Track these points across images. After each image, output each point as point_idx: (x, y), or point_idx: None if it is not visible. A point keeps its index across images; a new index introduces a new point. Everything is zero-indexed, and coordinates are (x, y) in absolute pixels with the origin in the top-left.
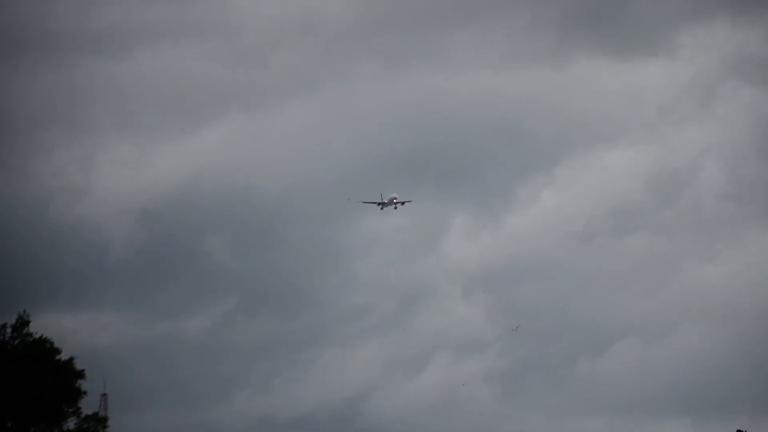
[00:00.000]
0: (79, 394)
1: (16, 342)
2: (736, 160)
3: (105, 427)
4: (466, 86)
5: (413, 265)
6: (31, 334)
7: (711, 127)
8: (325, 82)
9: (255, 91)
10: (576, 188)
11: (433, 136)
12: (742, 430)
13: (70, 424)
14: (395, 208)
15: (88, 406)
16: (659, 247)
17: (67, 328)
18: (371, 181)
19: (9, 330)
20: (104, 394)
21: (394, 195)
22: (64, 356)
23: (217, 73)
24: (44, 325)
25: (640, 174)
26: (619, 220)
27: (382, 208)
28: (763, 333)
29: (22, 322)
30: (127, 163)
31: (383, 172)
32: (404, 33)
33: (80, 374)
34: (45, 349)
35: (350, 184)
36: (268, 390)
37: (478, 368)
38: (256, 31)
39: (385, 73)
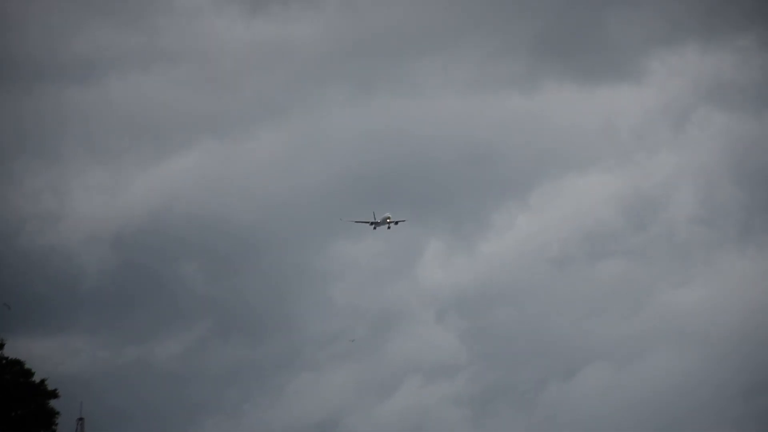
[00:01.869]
0: (53, 415)
1: None
2: (709, 185)
3: None
4: (436, 112)
5: (386, 290)
6: (5, 357)
7: (683, 153)
8: (296, 108)
9: (226, 117)
10: (549, 213)
11: (405, 162)
12: None
13: None
14: (388, 227)
15: (64, 429)
16: (633, 271)
17: (39, 353)
18: (343, 207)
19: None
20: (81, 419)
21: (388, 215)
22: (36, 379)
23: (188, 99)
24: (16, 350)
25: (613, 199)
26: (592, 245)
27: (374, 228)
28: (735, 357)
29: None
30: (99, 190)
31: (355, 197)
32: (373, 59)
33: (53, 394)
34: (17, 371)
35: (322, 210)
36: (239, 415)
37: (449, 392)
38: (226, 57)
39: (355, 99)
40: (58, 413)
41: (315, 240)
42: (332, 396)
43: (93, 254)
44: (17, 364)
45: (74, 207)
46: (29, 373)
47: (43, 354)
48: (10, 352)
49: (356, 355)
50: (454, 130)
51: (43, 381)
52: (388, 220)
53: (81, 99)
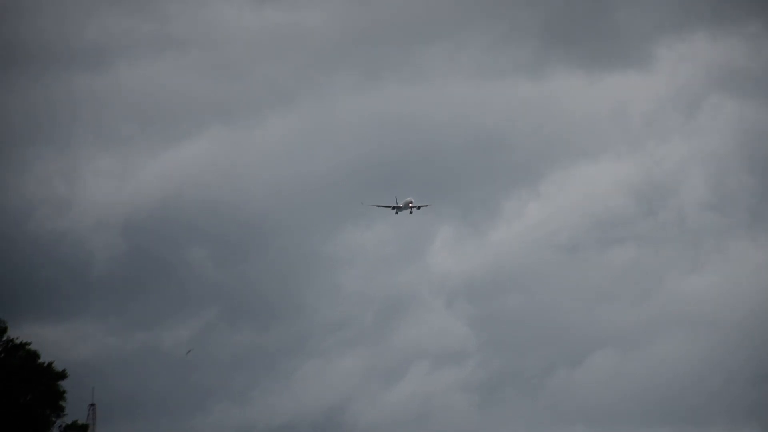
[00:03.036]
0: (60, 397)
1: None
2: (720, 172)
3: None
4: (444, 98)
5: (395, 276)
6: (11, 340)
7: (693, 140)
8: (304, 95)
9: (235, 104)
10: (559, 200)
11: (414, 148)
12: None
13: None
14: (411, 212)
15: (76, 415)
16: (643, 258)
17: (49, 339)
18: (353, 193)
19: None
20: (92, 404)
21: (410, 199)
22: (43, 361)
23: (198, 85)
24: (26, 336)
25: (624, 186)
26: (602, 232)
27: (396, 213)
28: (741, 343)
29: None
30: (109, 176)
31: (364, 183)
32: (381, 46)
33: (62, 375)
34: (25, 354)
35: (331, 196)
36: (247, 401)
37: (456, 379)
38: (235, 44)
39: (363, 86)
40: (64, 392)
41: (324, 226)
42: (340, 382)
43: (103, 240)
44: (23, 347)
45: (84, 193)
46: (36, 356)
47: (53, 339)
48: (20, 336)
49: (364, 341)
50: (463, 117)
51: (50, 364)
52: (410, 205)
53: (91, 85)
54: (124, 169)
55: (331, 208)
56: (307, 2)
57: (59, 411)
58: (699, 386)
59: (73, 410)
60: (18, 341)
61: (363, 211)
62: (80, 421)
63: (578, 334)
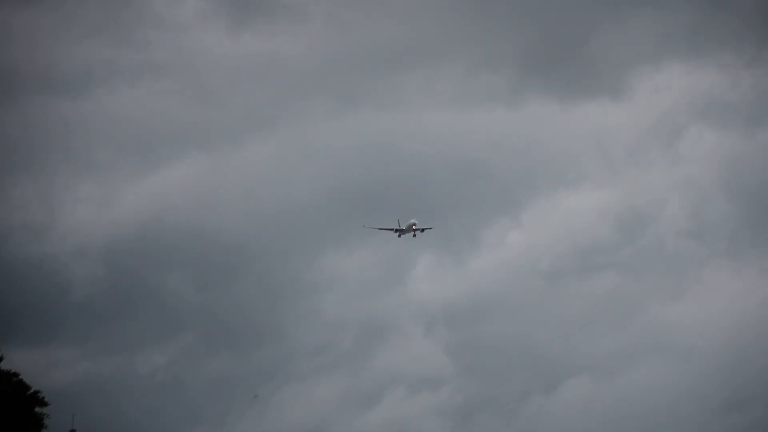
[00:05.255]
0: (40, 421)
1: None
2: (698, 201)
3: None
4: (421, 126)
5: (375, 303)
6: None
7: (673, 169)
8: (283, 121)
9: (214, 130)
10: (539, 228)
11: (393, 175)
12: None
13: None
14: (414, 235)
15: None
16: (622, 286)
17: (27, 363)
18: (332, 218)
19: None
20: (73, 430)
21: (414, 221)
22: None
23: (177, 112)
24: (6, 360)
25: (602, 215)
26: (583, 261)
27: (399, 236)
28: (715, 371)
29: None
30: (89, 202)
31: (344, 209)
32: (358, 73)
33: (43, 402)
34: (13, 383)
35: (311, 221)
36: (224, 425)
37: (431, 404)
38: (214, 71)
39: (340, 112)
40: (45, 415)
41: (304, 252)
42: (317, 407)
43: (82, 265)
44: (14, 376)
45: (64, 219)
46: (23, 385)
47: (32, 364)
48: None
49: (342, 367)
50: (441, 145)
51: (35, 392)
52: (414, 228)
53: (71, 112)
54: (104, 196)
55: (311, 233)
56: (286, 30)
57: None
58: (672, 414)
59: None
60: (4, 370)
61: (343, 236)
62: None
63: (554, 361)
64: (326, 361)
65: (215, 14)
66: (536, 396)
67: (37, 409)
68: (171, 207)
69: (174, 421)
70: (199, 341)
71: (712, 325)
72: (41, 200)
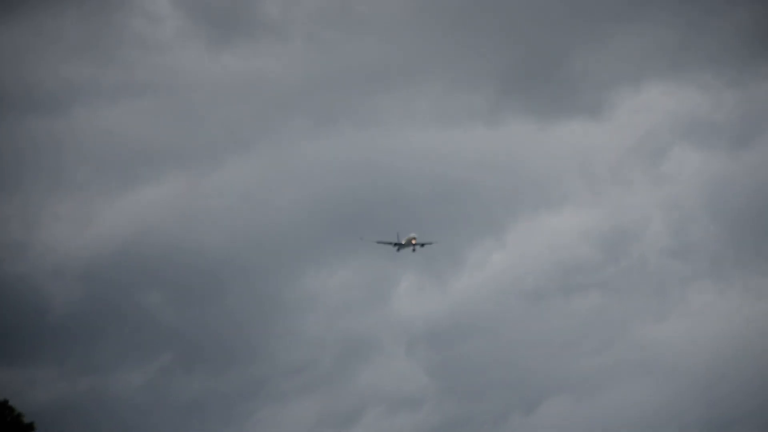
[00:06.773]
0: None
1: None
2: (681, 222)
3: None
4: (401, 144)
5: (355, 323)
6: None
7: (655, 188)
8: (263, 140)
9: (193, 149)
10: (522, 247)
11: (373, 194)
12: None
13: None
14: (413, 250)
15: None
16: (605, 307)
17: (2, 383)
18: (312, 237)
19: None
20: None
21: (413, 235)
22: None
23: (156, 131)
24: None
25: (586, 234)
26: (565, 281)
27: (398, 250)
28: (697, 391)
29: None
30: (67, 221)
31: (323, 228)
32: (337, 92)
33: (30, 426)
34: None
35: (291, 240)
36: None
37: (409, 424)
38: (193, 90)
39: (320, 132)
40: None
41: (283, 271)
42: (295, 427)
43: (59, 285)
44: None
45: (41, 238)
46: (10, 408)
47: (8, 383)
48: None
49: (322, 386)
50: (420, 163)
51: (18, 414)
52: (413, 242)
53: (49, 130)
54: (82, 215)
55: (292, 252)
56: (265, 49)
57: None
58: None
59: None
60: None
61: (324, 255)
62: None
63: (535, 381)
64: (306, 381)
65: (195, 34)
66: (515, 416)
67: None
68: (151, 226)
69: None
70: (178, 361)
71: (695, 345)
72: (19, 218)
